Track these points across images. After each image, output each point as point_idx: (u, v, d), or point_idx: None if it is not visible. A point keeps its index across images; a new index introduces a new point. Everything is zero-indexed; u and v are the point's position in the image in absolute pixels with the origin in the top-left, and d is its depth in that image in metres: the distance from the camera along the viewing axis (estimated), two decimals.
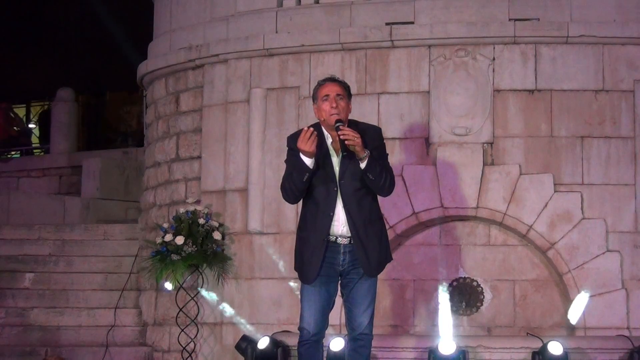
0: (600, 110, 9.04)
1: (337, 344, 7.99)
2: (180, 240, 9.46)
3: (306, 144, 6.06)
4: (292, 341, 8.35)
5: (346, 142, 6.03)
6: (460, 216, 9.24)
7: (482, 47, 9.19)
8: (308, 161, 6.13)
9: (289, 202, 6.40)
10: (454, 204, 9.13)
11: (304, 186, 6.19)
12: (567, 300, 8.95)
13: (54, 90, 16.28)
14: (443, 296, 9.27)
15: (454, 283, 9.29)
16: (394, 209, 9.19)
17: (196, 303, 9.75)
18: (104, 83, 19.03)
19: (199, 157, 10.11)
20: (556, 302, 9.14)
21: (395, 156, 9.25)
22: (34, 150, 17.88)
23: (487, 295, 9.27)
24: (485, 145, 9.13)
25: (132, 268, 10.99)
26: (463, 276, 9.29)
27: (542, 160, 9.05)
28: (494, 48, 9.18)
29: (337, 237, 6.23)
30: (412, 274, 9.39)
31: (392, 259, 6.50)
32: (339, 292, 6.38)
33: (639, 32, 9.02)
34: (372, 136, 6.25)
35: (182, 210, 9.68)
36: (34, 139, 18.59)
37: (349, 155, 6.13)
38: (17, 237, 11.61)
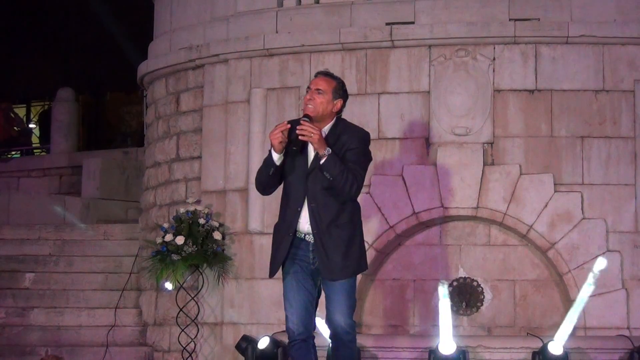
0: (600, 110, 9.04)
1: None
2: (180, 240, 9.46)
3: (275, 136, 6.02)
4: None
5: (300, 137, 5.97)
6: (461, 216, 9.23)
7: (482, 47, 9.19)
8: (275, 156, 6.09)
9: (260, 193, 6.35)
10: (454, 204, 9.13)
11: (270, 180, 6.16)
12: (567, 300, 8.95)
13: (54, 90, 16.29)
14: (443, 296, 9.27)
15: (454, 283, 9.29)
16: (394, 209, 9.20)
17: (196, 303, 9.75)
18: (104, 83, 19.04)
19: (199, 157, 10.11)
20: (556, 302, 9.14)
21: (395, 156, 9.26)
22: (34, 150, 17.88)
23: (487, 295, 9.27)
24: (485, 145, 9.13)
25: (132, 268, 10.99)
26: (463, 276, 9.29)
27: (542, 160, 9.06)
28: (494, 48, 9.18)
29: (304, 234, 6.15)
30: (412, 274, 9.39)
31: (365, 268, 6.31)
32: None
33: (639, 32, 9.02)
34: (349, 138, 6.14)
35: (182, 210, 9.68)
36: (34, 139, 18.60)
37: (300, 151, 6.07)
38: (17, 237, 11.62)
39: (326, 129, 6.16)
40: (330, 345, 6.31)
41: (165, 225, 9.75)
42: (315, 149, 6.03)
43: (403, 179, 9.22)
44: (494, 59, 9.17)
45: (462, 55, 9.20)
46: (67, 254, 11.40)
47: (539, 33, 9.08)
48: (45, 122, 17.62)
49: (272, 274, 6.22)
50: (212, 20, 10.23)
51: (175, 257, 9.48)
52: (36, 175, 15.36)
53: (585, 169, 9.00)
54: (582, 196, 8.99)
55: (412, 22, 9.35)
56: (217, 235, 9.57)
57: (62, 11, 20.27)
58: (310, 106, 6.12)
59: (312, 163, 6.09)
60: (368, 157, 6.24)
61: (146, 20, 11.90)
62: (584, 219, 8.97)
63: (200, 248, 9.51)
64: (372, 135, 9.08)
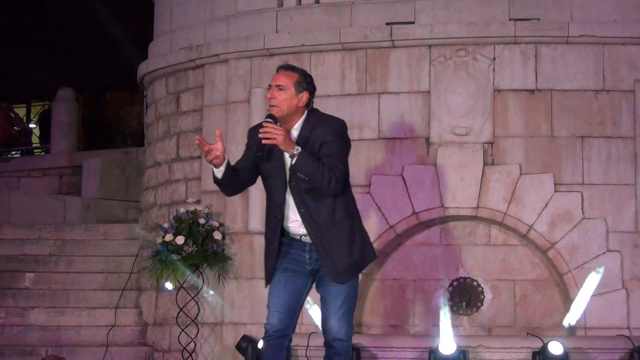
0: (600, 110, 9.04)
1: None
2: (180, 240, 9.46)
3: (209, 159, 5.70)
4: (293, 341, 8.33)
5: (263, 140, 5.66)
6: (461, 216, 9.24)
7: (482, 47, 9.19)
8: (216, 171, 5.78)
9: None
10: (454, 204, 9.13)
11: (226, 188, 5.89)
12: (568, 300, 8.96)
13: (54, 90, 16.29)
14: (443, 296, 9.28)
15: (454, 283, 9.29)
16: (394, 209, 9.20)
17: (196, 303, 9.76)
18: (104, 83, 19.05)
19: (200, 157, 10.11)
20: (556, 302, 9.14)
21: (395, 156, 9.25)
22: (34, 150, 17.89)
23: (488, 295, 9.27)
24: (485, 145, 9.13)
25: (132, 268, 10.99)
26: (463, 276, 9.29)
27: (543, 160, 9.06)
28: (494, 48, 9.18)
29: (300, 236, 5.88)
30: (412, 274, 9.39)
31: (373, 257, 6.03)
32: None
33: (639, 32, 9.02)
34: (322, 130, 5.79)
35: (182, 210, 9.68)
36: (34, 139, 18.62)
37: (267, 156, 5.79)
38: (17, 237, 11.61)
39: (297, 125, 5.85)
40: (325, 352, 6.02)
41: (166, 225, 9.75)
42: (283, 151, 5.69)
43: (403, 179, 9.22)
44: (494, 59, 9.17)
45: (462, 55, 9.20)
46: (67, 254, 11.40)
47: (539, 33, 9.08)
48: (45, 122, 17.63)
49: (267, 283, 5.99)
50: (212, 20, 10.23)
51: (175, 257, 9.48)
52: (36, 175, 15.36)
53: (585, 169, 9.00)
54: (582, 196, 8.98)
55: (412, 22, 9.35)
56: (217, 235, 9.57)
57: (62, 11, 20.28)
58: (274, 106, 5.79)
59: (290, 167, 5.76)
60: (345, 147, 5.87)
61: (146, 20, 11.90)
62: (584, 218, 8.97)
63: (200, 248, 9.51)
64: (372, 135, 9.24)
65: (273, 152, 5.84)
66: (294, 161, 5.66)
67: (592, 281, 8.79)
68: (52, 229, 11.73)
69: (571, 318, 8.86)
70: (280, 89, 5.81)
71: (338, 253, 5.82)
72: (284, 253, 5.95)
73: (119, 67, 16.59)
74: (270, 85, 5.86)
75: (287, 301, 5.90)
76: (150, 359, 10.34)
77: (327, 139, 5.76)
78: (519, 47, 9.15)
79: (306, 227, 5.82)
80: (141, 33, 12.88)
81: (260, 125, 5.77)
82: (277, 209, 5.88)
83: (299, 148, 5.66)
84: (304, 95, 5.85)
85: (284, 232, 5.95)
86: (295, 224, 5.89)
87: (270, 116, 5.76)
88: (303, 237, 5.90)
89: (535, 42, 9.11)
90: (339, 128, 5.88)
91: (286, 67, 5.93)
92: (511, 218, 9.05)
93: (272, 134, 5.62)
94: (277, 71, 5.92)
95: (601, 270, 8.81)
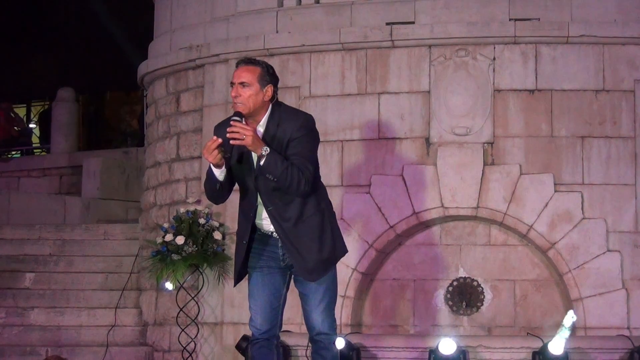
0: (600, 110, 9.04)
1: (338, 343, 7.98)
2: (180, 240, 9.46)
3: (210, 154, 5.47)
4: (293, 341, 8.36)
5: (231, 141, 5.42)
6: (461, 216, 9.24)
7: (482, 47, 9.19)
8: (217, 172, 5.58)
9: (214, 204, 5.95)
10: (454, 204, 9.13)
11: (220, 193, 5.69)
12: (567, 300, 8.96)
13: (54, 90, 16.29)
14: (443, 296, 9.29)
15: (454, 283, 9.29)
16: (394, 209, 9.20)
17: (196, 303, 9.76)
18: (104, 83, 19.04)
19: (200, 157, 10.11)
20: (556, 302, 9.15)
21: (395, 156, 9.26)
22: (35, 150, 17.90)
23: (488, 295, 9.27)
24: (485, 145, 9.13)
25: (132, 268, 10.99)
26: (463, 276, 9.29)
27: (543, 160, 9.06)
28: (494, 48, 9.18)
29: (272, 232, 5.75)
30: (412, 274, 9.39)
31: (343, 252, 5.86)
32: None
33: (639, 32, 9.02)
34: (289, 126, 5.57)
35: (182, 210, 9.68)
36: (34, 139, 18.61)
37: (239, 157, 5.56)
38: (17, 237, 11.61)
39: (263, 121, 5.63)
40: (310, 347, 5.97)
41: (166, 225, 9.75)
42: (253, 150, 5.49)
43: (403, 179, 9.22)
44: (494, 58, 9.17)
45: (462, 55, 9.20)
46: (67, 254, 11.40)
47: (539, 33, 9.08)
48: (45, 122, 17.63)
49: (235, 283, 5.91)
50: (212, 20, 10.23)
51: (175, 257, 9.48)
52: (36, 175, 15.36)
53: (585, 169, 9.00)
54: (582, 196, 8.98)
55: (412, 22, 9.35)
56: (217, 235, 9.57)
57: (62, 11, 20.28)
58: (239, 104, 5.55)
59: (257, 164, 5.58)
60: (313, 143, 5.66)
61: (146, 20, 11.90)
62: (584, 218, 8.97)
63: (200, 248, 9.51)
64: (372, 135, 9.24)
65: (240, 149, 5.62)
66: (262, 162, 5.48)
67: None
68: (52, 229, 11.73)
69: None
70: (244, 86, 5.57)
71: (307, 250, 5.67)
72: (258, 250, 5.84)
73: (119, 67, 16.60)
74: (233, 83, 5.62)
75: (269, 301, 5.81)
76: (150, 359, 10.34)
77: (295, 136, 5.56)
78: (519, 47, 9.15)
79: (274, 224, 5.68)
80: (141, 33, 12.88)
81: (227, 122, 5.56)
82: (248, 206, 5.75)
83: (268, 149, 5.48)
84: (269, 89, 5.63)
85: (255, 229, 5.83)
86: (266, 220, 5.75)
87: (237, 114, 5.53)
88: (274, 233, 5.76)
89: (535, 42, 9.11)
90: (306, 123, 5.66)
91: (247, 62, 5.66)
92: (511, 218, 9.05)
93: (241, 134, 5.42)
94: (236, 67, 5.65)
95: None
